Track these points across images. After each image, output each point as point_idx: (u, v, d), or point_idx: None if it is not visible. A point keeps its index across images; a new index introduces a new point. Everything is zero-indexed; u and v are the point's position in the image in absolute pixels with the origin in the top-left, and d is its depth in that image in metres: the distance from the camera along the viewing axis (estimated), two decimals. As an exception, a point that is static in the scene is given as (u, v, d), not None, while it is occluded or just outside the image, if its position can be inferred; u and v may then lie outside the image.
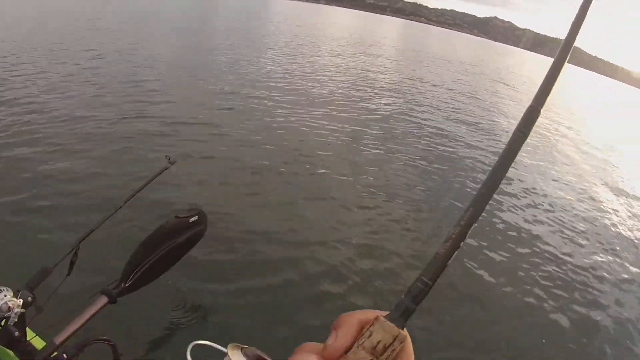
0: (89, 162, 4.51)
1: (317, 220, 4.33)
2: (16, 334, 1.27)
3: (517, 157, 0.37)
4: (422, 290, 0.35)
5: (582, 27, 0.41)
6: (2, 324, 1.26)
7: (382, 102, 11.03)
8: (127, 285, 1.90)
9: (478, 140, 9.25)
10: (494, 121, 11.86)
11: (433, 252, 0.35)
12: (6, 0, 15.65)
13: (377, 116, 9.37)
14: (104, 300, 1.70)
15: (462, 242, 0.35)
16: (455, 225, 0.36)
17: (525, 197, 6.44)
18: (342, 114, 8.84)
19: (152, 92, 7.65)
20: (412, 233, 4.56)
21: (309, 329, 2.86)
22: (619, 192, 8.34)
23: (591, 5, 0.42)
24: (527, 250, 4.82)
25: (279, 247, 3.66)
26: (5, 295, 1.24)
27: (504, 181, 0.37)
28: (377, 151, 6.99)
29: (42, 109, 5.85)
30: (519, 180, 7.05)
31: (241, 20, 29.11)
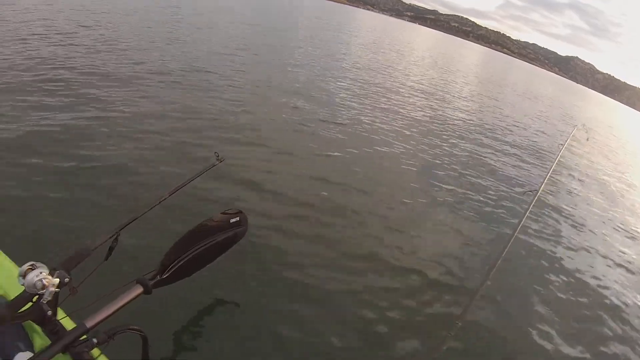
0: (139, 151, 4.45)
1: (374, 245, 3.85)
2: (49, 312, 1.27)
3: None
4: None
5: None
6: (35, 300, 1.26)
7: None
8: (163, 277, 1.87)
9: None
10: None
11: None
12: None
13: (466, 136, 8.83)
14: (138, 289, 1.68)
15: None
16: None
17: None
18: (427, 136, 8.31)
19: (216, 89, 7.44)
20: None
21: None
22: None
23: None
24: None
25: (318, 265, 3.35)
26: (42, 272, 1.23)
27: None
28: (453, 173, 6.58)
29: (98, 97, 5.71)
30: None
31: (324, 27, 29.34)
